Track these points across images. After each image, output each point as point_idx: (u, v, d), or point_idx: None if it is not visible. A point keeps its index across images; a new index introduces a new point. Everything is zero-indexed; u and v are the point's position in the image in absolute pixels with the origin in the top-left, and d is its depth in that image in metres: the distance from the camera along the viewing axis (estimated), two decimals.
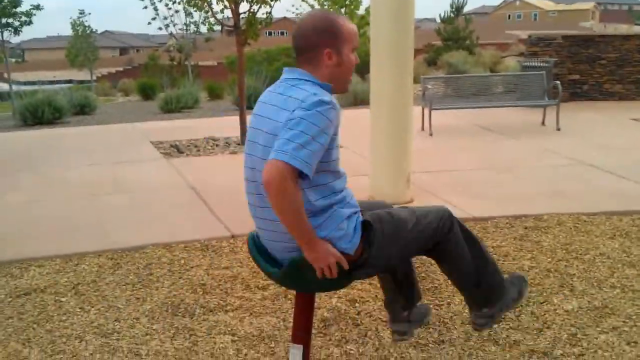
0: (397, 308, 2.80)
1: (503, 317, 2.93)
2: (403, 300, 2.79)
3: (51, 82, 34.77)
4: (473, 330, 2.85)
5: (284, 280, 2.39)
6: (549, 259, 4.12)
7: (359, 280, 3.76)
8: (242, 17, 8.25)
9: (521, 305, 3.45)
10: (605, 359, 2.92)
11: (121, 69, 47.45)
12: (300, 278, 2.28)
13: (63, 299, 3.68)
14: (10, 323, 3.40)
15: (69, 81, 37.65)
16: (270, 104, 2.27)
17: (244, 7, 8.21)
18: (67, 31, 38.58)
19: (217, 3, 8.23)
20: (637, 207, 5.19)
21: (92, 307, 3.57)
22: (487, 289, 2.64)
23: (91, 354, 3.04)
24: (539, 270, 3.95)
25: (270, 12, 8.53)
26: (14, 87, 18.02)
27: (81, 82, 35.56)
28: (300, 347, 2.32)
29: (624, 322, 3.26)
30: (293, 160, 2.03)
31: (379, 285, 2.92)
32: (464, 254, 2.58)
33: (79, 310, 3.53)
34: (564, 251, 4.27)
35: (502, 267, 3.96)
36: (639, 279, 3.79)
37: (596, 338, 3.10)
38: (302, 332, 2.35)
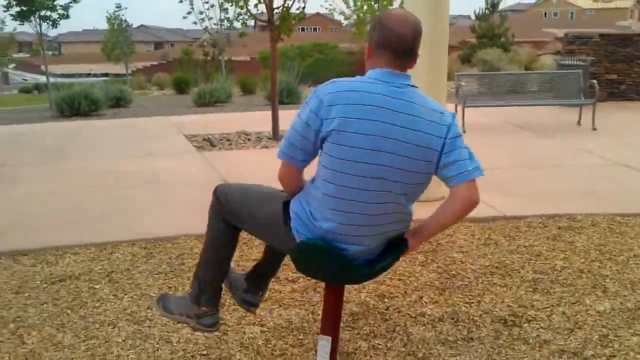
0: (262, 283, 2.96)
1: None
2: (269, 279, 3.00)
3: (88, 75, 35.37)
4: (245, 309, 2.96)
5: (367, 278, 2.51)
6: (582, 260, 4.07)
7: (389, 276, 3.78)
8: (276, 13, 8.29)
9: (552, 305, 3.42)
10: None
11: (156, 63, 47.96)
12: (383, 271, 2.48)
13: (97, 286, 3.75)
14: (45, 308, 3.47)
15: (105, 74, 38.27)
16: (407, 114, 2.19)
17: (277, 2, 8.27)
18: (104, 25, 39.17)
19: None
20: None
21: (125, 294, 3.63)
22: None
23: (123, 340, 3.09)
24: (571, 270, 3.90)
25: (303, 8, 8.56)
26: (51, 80, 18.37)
27: (117, 75, 36.12)
28: (329, 338, 2.33)
29: None
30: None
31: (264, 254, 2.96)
32: None
33: (112, 297, 3.60)
34: (597, 252, 4.21)
35: (534, 266, 3.95)
36: None
37: (628, 340, 3.06)
38: (331, 324, 2.37)
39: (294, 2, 8.25)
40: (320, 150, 2.26)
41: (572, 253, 4.19)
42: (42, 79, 39.30)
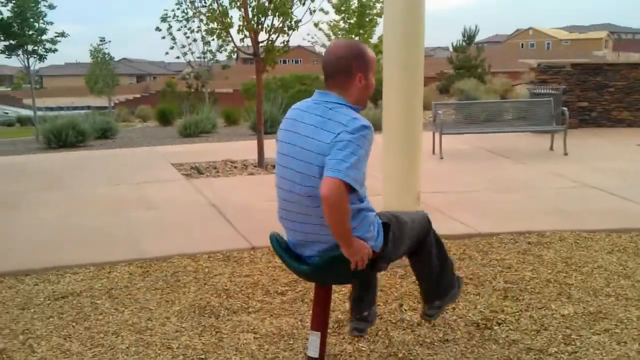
0: (361, 307, 3.23)
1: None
2: (368, 300, 3.24)
3: (69, 108, 35.42)
4: (423, 320, 3.39)
5: (314, 275, 2.71)
6: (549, 271, 4.40)
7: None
8: (261, 46, 8.66)
9: (520, 310, 3.73)
10: (596, 355, 3.19)
11: (138, 95, 48.29)
12: (332, 271, 2.64)
13: (98, 302, 4.00)
14: (51, 322, 3.72)
15: (87, 107, 38.41)
16: (309, 124, 2.57)
17: (262, 36, 8.64)
18: (85, 58, 39.43)
19: (237, 32, 8.63)
20: (636, 225, 5.46)
21: (126, 308, 3.88)
22: (444, 286, 3.19)
23: (127, 347, 3.35)
24: (539, 280, 4.23)
25: (287, 41, 8.94)
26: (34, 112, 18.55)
27: (99, 108, 36.30)
28: (319, 333, 2.62)
29: (615, 325, 3.53)
30: (347, 178, 2.39)
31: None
32: (435, 254, 3.09)
33: (113, 310, 3.85)
34: (563, 264, 4.55)
35: (505, 277, 4.27)
36: (633, 288, 4.06)
37: (589, 338, 3.37)
38: (320, 321, 2.66)
39: (278, 36, 8.64)
40: None
41: (540, 265, 4.52)
42: (24, 112, 39.36)
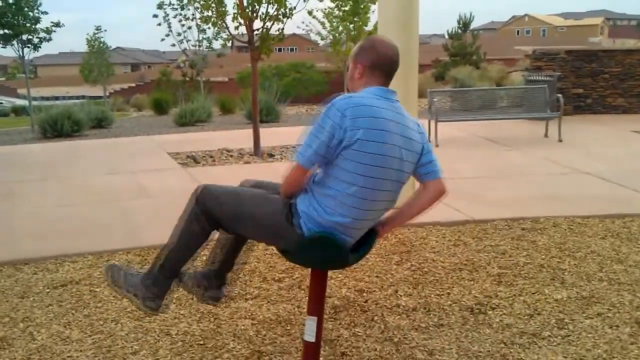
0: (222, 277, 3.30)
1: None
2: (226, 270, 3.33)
3: (64, 98, 35.37)
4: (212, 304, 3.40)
5: (353, 263, 2.82)
6: (543, 256, 4.46)
7: (367, 273, 4.12)
8: (256, 34, 8.66)
9: (514, 295, 3.78)
10: (589, 339, 3.24)
11: (133, 84, 48.10)
12: None
13: (97, 289, 4.04)
14: (50, 309, 3.76)
15: (82, 97, 38.34)
16: (404, 125, 2.60)
17: (257, 24, 8.64)
18: (79, 47, 39.30)
19: (232, 20, 8.62)
20: (629, 211, 5.52)
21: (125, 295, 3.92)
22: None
23: (127, 334, 3.39)
24: (533, 265, 4.28)
25: (282, 29, 8.93)
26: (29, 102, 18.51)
27: (94, 97, 36.20)
28: (315, 318, 2.67)
29: (608, 309, 3.59)
30: None
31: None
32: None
33: (112, 298, 3.89)
34: (557, 249, 4.60)
35: (499, 263, 4.32)
36: (625, 273, 4.12)
37: (582, 322, 3.43)
38: (316, 306, 2.70)
39: (273, 23, 8.64)
40: (337, 156, 2.50)
41: (534, 251, 4.57)
42: (18, 102, 39.26)
